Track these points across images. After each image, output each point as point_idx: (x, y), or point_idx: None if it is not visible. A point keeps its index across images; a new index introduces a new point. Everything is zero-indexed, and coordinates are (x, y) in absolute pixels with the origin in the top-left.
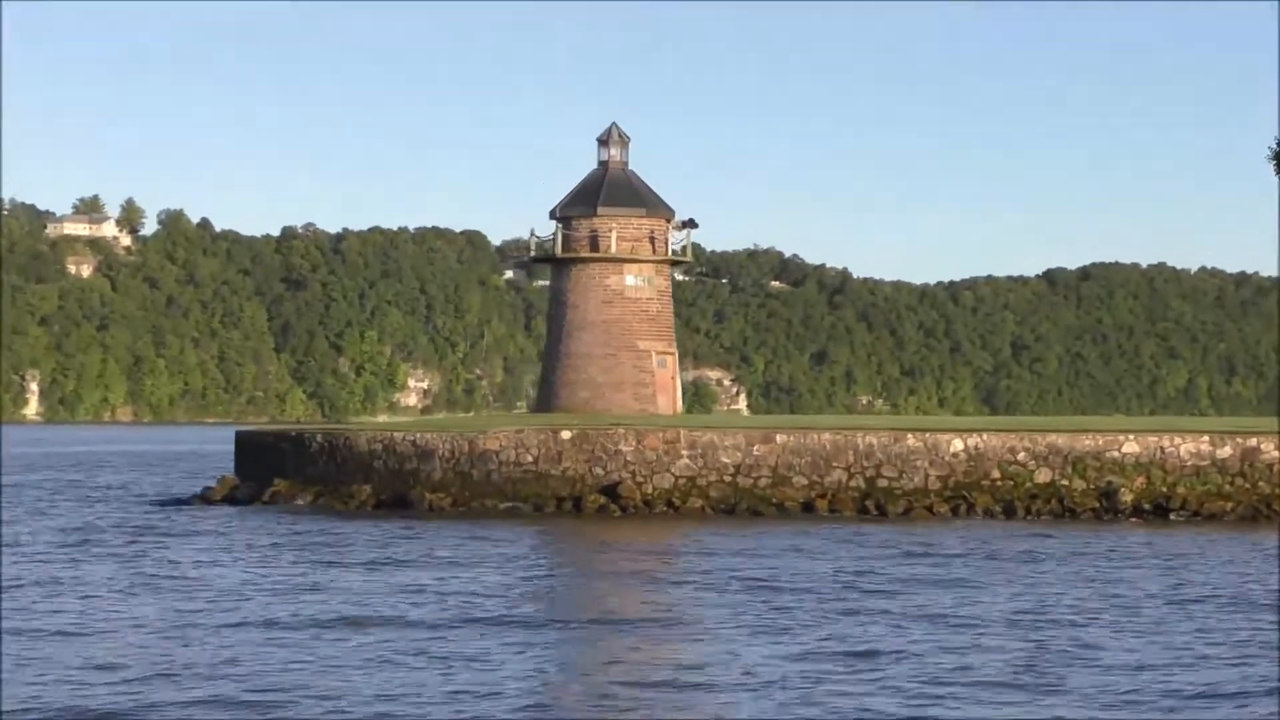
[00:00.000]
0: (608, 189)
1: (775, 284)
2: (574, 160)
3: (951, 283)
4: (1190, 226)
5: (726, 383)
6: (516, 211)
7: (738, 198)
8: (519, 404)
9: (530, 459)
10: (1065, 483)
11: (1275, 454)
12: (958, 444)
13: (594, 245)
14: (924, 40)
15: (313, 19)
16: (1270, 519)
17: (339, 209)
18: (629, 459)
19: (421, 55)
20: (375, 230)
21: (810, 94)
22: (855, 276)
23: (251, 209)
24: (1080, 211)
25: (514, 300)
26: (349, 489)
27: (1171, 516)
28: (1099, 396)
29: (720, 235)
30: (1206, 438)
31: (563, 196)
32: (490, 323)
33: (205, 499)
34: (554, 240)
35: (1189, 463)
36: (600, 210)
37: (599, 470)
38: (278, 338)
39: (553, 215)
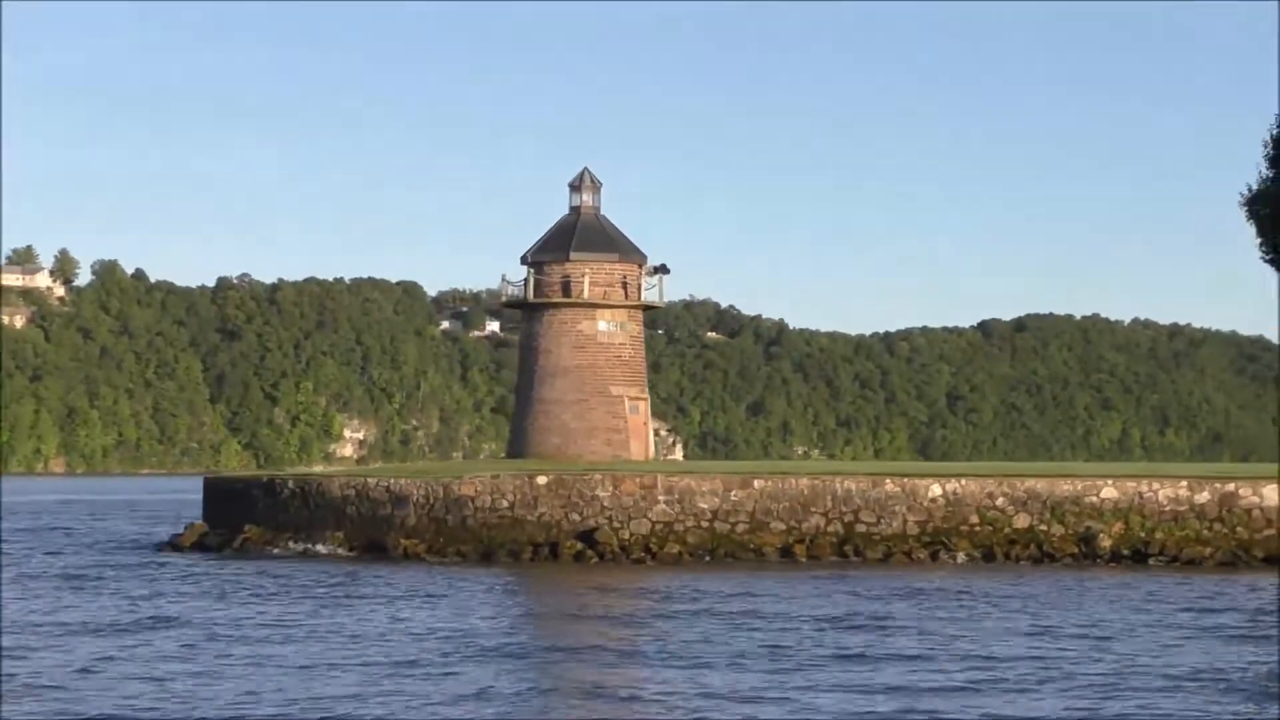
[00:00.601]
0: (580, 234)
1: (712, 335)
2: (512, 208)
3: (887, 333)
4: (1124, 279)
5: (663, 433)
6: (459, 260)
7: (674, 249)
8: (454, 454)
9: (506, 504)
10: (1044, 528)
11: (1253, 499)
12: (936, 489)
13: (566, 290)
14: (856, 95)
15: (248, 66)
16: (1249, 565)
17: (274, 259)
18: (605, 504)
19: (357, 104)
20: (311, 280)
21: (744, 145)
22: (791, 327)
23: (186, 259)
24: (1015, 263)
25: (450, 350)
26: (322, 535)
27: (1150, 562)
28: (1033, 447)
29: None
30: (1185, 483)
31: (533, 242)
32: (426, 373)
33: (174, 546)
34: (525, 285)
35: (1167, 508)
36: (573, 255)
37: (575, 516)
38: (212, 388)
39: (524, 260)
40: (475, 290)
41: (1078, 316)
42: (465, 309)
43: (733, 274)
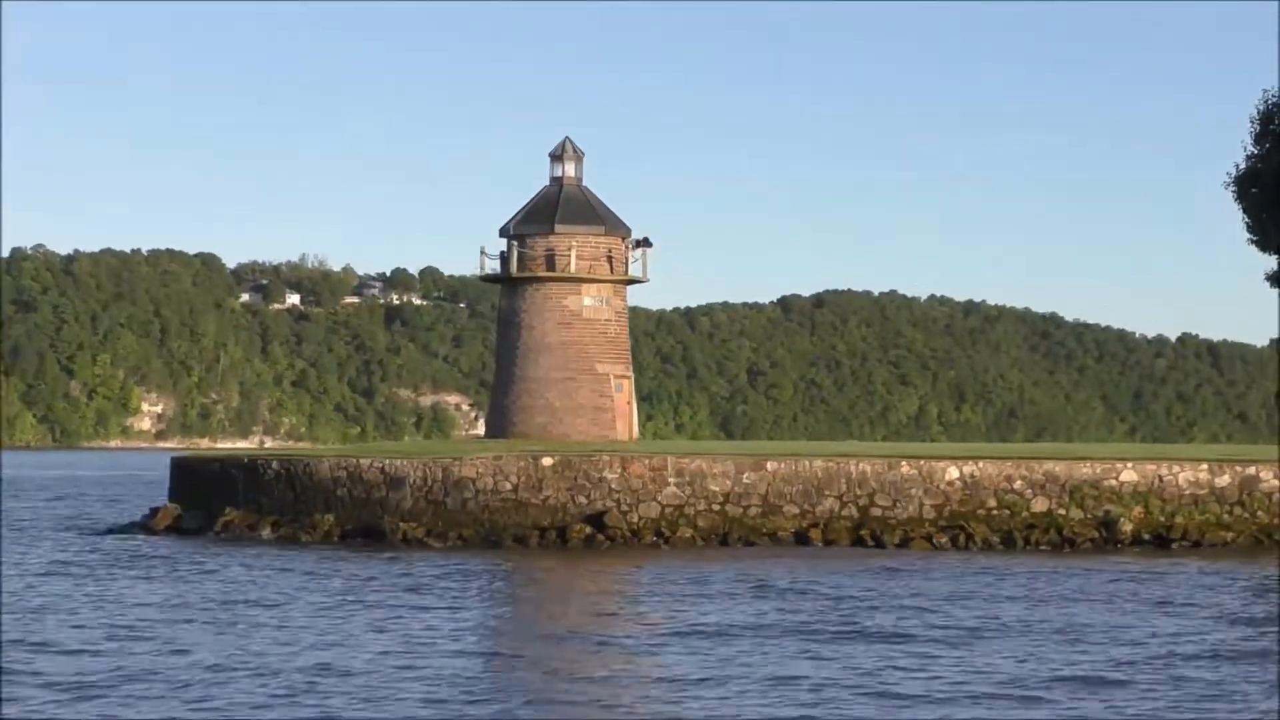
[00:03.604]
0: (564, 206)
1: None
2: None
3: (688, 309)
4: (920, 255)
5: (465, 408)
6: (251, 234)
7: (467, 227)
8: (254, 429)
9: (509, 487)
10: (1063, 512)
11: (1274, 483)
12: (953, 472)
13: (550, 264)
14: (674, 77)
15: (42, 21)
16: (1270, 549)
17: (69, 230)
18: (613, 487)
19: (152, 66)
20: (108, 252)
21: (544, 118)
22: None
23: None
24: (813, 239)
25: (250, 324)
26: (310, 519)
27: (1173, 546)
28: (833, 423)
29: (458, 260)
30: (1205, 466)
31: (514, 213)
32: (226, 346)
33: (148, 529)
34: (508, 259)
35: (1187, 492)
36: (558, 228)
37: (582, 499)
38: (7, 361)
39: (504, 233)
40: (276, 263)
41: (875, 293)
42: (265, 281)
43: None
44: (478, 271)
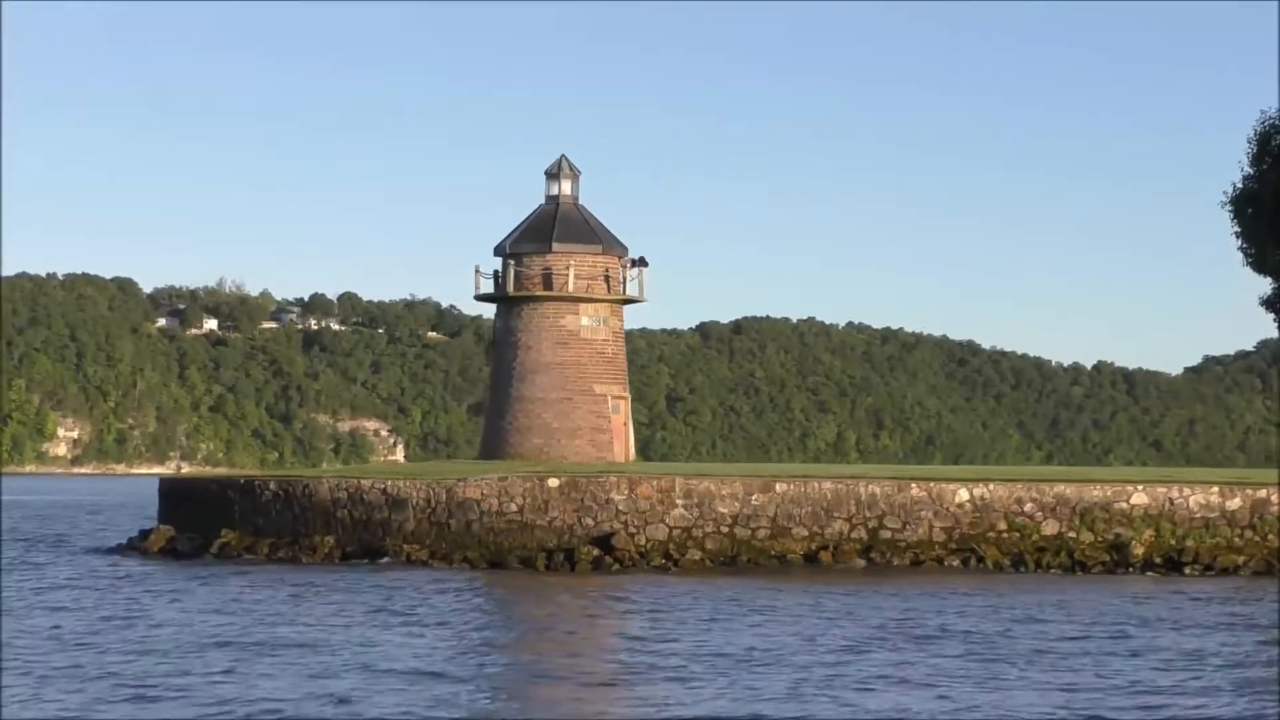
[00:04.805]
0: (561, 224)
1: (432, 334)
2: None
3: None
4: (838, 283)
5: (384, 433)
6: (167, 258)
7: (394, 249)
8: (171, 454)
9: (514, 508)
10: (1073, 535)
11: None
12: (963, 494)
13: (548, 283)
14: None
15: None
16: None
17: None
18: (620, 508)
19: (66, 85)
20: (23, 276)
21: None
22: None
23: None
24: (732, 266)
25: (167, 349)
26: (310, 540)
27: (1186, 570)
28: (751, 449)
29: (377, 285)
30: (1216, 489)
31: (510, 231)
32: (143, 371)
33: (141, 550)
34: (503, 277)
35: (1198, 514)
36: (555, 247)
37: (589, 520)
38: None
39: (499, 251)
40: (193, 288)
41: (794, 319)
42: (182, 306)
43: (451, 274)
44: (473, 291)
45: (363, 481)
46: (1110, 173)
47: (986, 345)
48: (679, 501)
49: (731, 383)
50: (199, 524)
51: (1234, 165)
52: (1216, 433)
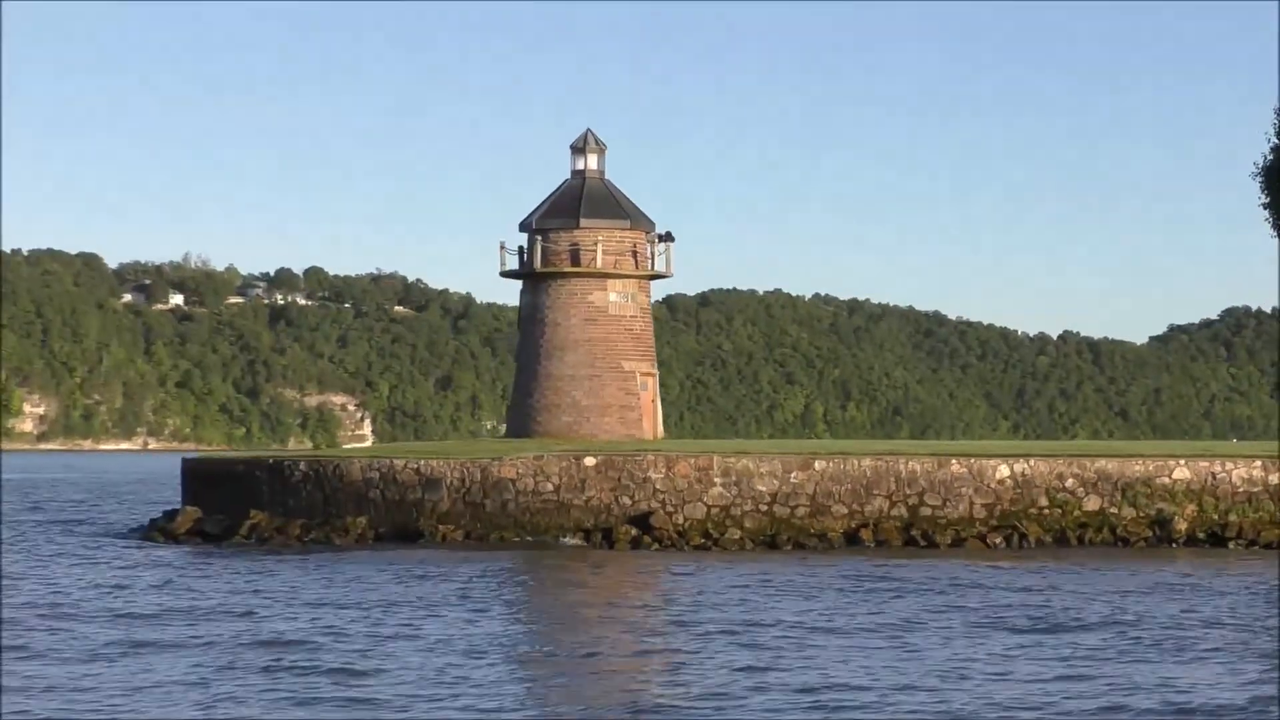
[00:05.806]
0: (588, 199)
1: (399, 309)
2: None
3: None
4: (805, 254)
5: (351, 408)
6: (133, 233)
7: (360, 223)
8: (138, 430)
9: (550, 487)
10: (1115, 510)
11: None
12: (1004, 470)
13: (575, 259)
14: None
15: None
16: None
17: None
18: (658, 487)
19: (30, 60)
20: None
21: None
22: (479, 301)
23: None
24: (700, 236)
25: (133, 324)
26: (341, 521)
27: (1230, 545)
28: (719, 421)
29: (343, 260)
30: (1259, 463)
31: (535, 207)
32: (109, 347)
33: (167, 533)
34: (529, 253)
35: (1241, 489)
36: (583, 222)
37: (626, 499)
38: None
39: (525, 227)
40: (158, 263)
41: (760, 292)
42: (148, 281)
43: (419, 247)
44: (498, 267)
45: (395, 461)
46: (1074, 143)
47: (953, 315)
48: (717, 480)
49: (699, 355)
50: (226, 505)
51: (1206, 130)
52: (1182, 401)
